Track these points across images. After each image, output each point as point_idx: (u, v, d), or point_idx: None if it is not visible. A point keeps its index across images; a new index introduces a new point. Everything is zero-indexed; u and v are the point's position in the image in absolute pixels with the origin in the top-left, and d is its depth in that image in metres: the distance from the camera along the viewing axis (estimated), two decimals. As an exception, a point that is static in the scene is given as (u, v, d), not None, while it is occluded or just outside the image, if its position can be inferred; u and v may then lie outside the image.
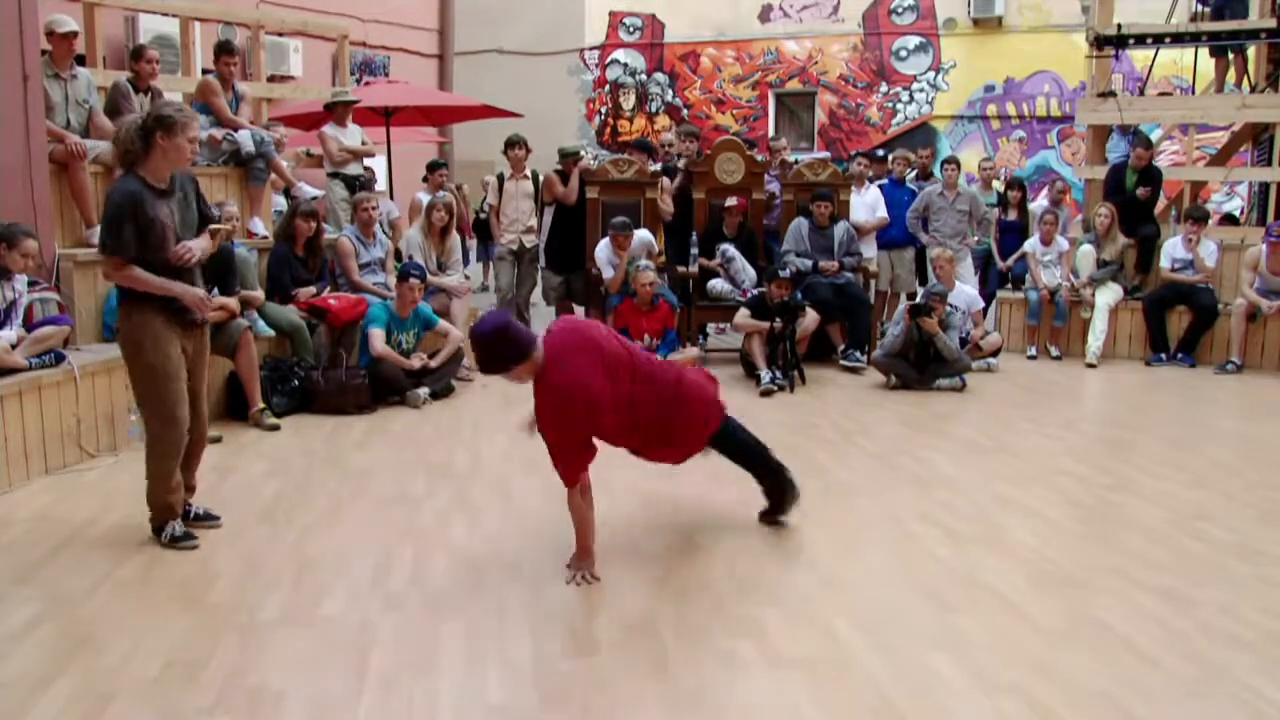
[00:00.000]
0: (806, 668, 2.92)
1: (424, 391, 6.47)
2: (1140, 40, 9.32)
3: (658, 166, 8.81)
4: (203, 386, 4.05)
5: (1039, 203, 9.54)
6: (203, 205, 3.99)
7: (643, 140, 10.96)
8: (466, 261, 12.06)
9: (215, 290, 5.73)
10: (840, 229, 8.07)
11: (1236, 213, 12.56)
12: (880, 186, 8.94)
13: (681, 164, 8.70)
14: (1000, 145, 14.78)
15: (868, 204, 8.62)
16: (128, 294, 3.77)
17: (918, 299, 7.62)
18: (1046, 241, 8.62)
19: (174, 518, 3.90)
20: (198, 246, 3.85)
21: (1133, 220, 8.57)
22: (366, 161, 8.48)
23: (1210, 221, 9.10)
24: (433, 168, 8.99)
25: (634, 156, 8.76)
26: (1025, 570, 3.70)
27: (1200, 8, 10.32)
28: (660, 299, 7.47)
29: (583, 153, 9.14)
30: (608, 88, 16.35)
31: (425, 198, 8.11)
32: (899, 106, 15.24)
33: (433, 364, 6.62)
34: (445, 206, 7.56)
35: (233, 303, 5.80)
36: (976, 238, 8.97)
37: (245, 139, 7.11)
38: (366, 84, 12.24)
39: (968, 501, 4.54)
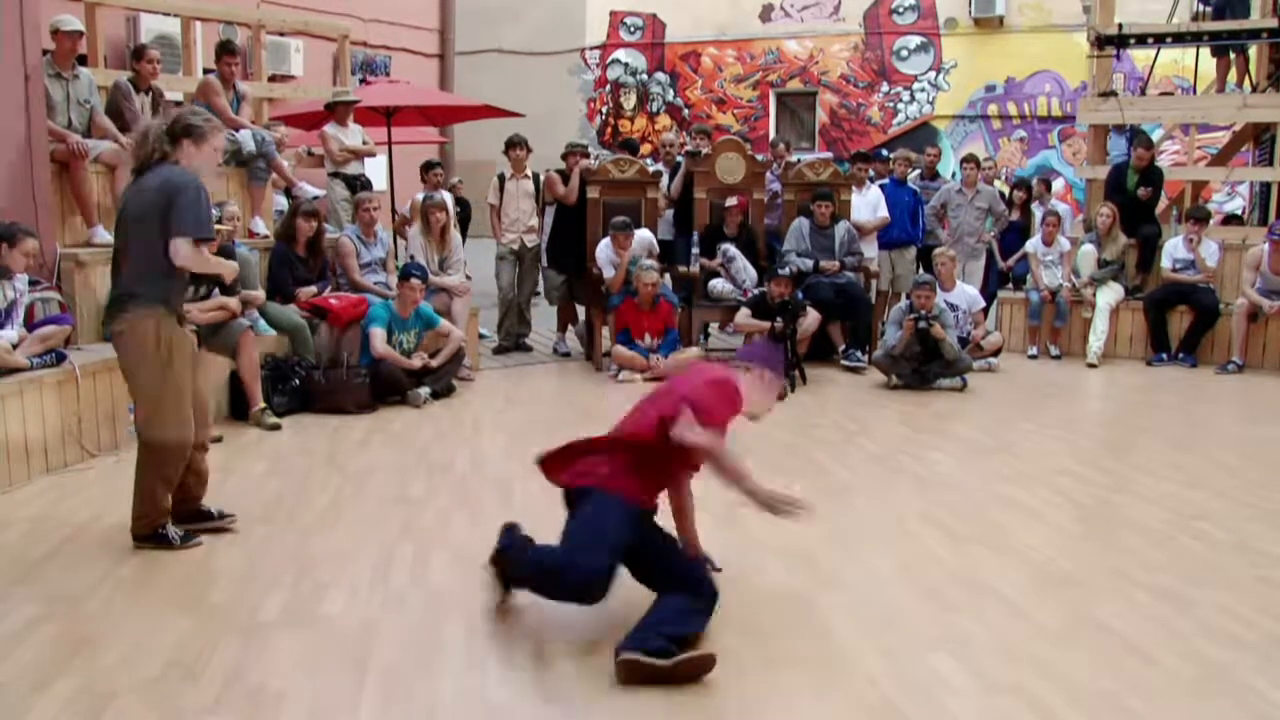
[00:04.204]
0: (806, 668, 2.92)
1: (425, 391, 6.47)
2: (1141, 40, 9.32)
3: (659, 166, 8.79)
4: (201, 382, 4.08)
5: (1037, 205, 9.58)
6: None
7: (629, 140, 10.94)
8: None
9: (216, 290, 5.74)
10: (841, 229, 8.07)
11: (1239, 212, 12.56)
12: (881, 186, 8.94)
13: (681, 159, 8.68)
14: (1001, 145, 14.78)
15: (869, 204, 8.61)
16: (145, 300, 3.66)
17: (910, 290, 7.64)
18: (1048, 242, 8.61)
19: (167, 518, 3.86)
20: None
21: (1134, 220, 8.57)
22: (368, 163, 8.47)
23: (1212, 221, 9.10)
24: (428, 167, 8.99)
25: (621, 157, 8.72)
26: (1025, 570, 3.70)
27: (1201, 8, 10.32)
28: (661, 299, 7.47)
29: (590, 149, 9.11)
30: (608, 87, 16.36)
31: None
32: (900, 106, 15.24)
33: (434, 364, 6.62)
34: (441, 206, 7.56)
35: (233, 303, 5.81)
36: (993, 232, 9.01)
37: (246, 139, 7.11)
38: (367, 84, 12.24)
39: (968, 501, 4.54)
